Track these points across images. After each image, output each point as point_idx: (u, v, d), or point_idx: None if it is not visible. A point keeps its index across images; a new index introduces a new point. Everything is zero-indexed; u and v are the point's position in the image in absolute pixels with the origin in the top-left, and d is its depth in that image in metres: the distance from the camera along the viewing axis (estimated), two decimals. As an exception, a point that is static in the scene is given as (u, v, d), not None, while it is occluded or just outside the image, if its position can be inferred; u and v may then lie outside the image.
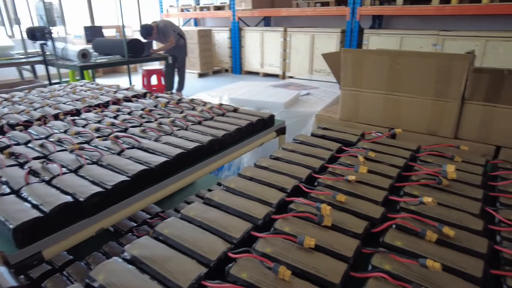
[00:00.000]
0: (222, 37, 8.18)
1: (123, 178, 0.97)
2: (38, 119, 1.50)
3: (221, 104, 1.70)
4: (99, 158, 1.08)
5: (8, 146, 1.21)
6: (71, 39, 6.87)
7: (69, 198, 0.86)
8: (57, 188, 0.92)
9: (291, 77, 4.88)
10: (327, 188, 0.88)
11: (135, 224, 1.36)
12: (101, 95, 1.92)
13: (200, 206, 0.79)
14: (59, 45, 4.23)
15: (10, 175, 0.98)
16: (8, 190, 0.92)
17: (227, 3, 7.74)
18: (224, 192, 0.86)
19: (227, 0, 7.70)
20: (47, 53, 4.24)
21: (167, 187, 1.08)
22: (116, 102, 1.80)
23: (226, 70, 8.45)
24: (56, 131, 1.36)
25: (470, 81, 1.61)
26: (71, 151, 1.13)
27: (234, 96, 2.80)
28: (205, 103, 1.75)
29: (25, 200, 0.87)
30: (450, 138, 1.74)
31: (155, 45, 5.81)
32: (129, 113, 1.57)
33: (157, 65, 6.50)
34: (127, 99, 1.86)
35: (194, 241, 0.67)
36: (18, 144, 1.24)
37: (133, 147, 1.18)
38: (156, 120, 1.45)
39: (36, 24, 4.50)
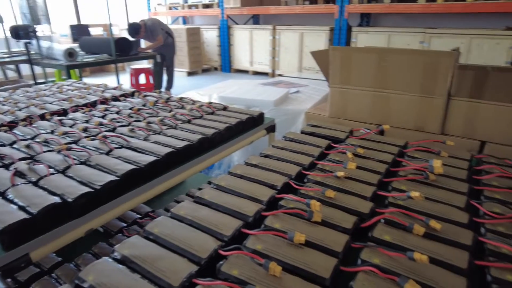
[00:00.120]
0: (211, 35, 8.14)
1: (112, 178, 0.96)
2: (24, 120, 1.47)
3: (210, 103, 1.70)
4: (87, 158, 1.07)
5: (-7, 147, 1.18)
6: (56, 37, 6.76)
7: (57, 199, 0.85)
8: (45, 189, 0.90)
9: (280, 75, 4.89)
10: (316, 185, 0.89)
11: (125, 224, 1.35)
12: (89, 94, 1.90)
13: (190, 205, 0.79)
14: (44, 44, 4.15)
15: (-5, 177, 0.96)
16: (-7, 192, 0.90)
17: (215, 1, 7.70)
18: (214, 190, 0.86)
19: (216, -2, 7.67)
20: (32, 52, 4.16)
21: (157, 187, 1.08)
22: (104, 101, 1.77)
23: (216, 68, 8.42)
24: (43, 131, 1.34)
25: (455, 78, 1.64)
26: (59, 152, 1.11)
27: (224, 95, 2.80)
28: (194, 102, 1.74)
29: (11, 202, 0.86)
30: (437, 133, 1.77)
31: (143, 43, 5.75)
32: (117, 113, 1.56)
33: (145, 64, 6.44)
34: (115, 99, 1.84)
35: (184, 240, 0.67)
36: (3, 145, 1.22)
37: (121, 147, 1.17)
38: (144, 119, 1.44)
39: (20, 23, 4.40)
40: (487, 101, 1.59)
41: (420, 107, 1.76)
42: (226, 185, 0.87)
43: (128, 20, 5.34)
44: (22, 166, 1.01)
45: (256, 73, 7.63)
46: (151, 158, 1.07)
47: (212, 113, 1.56)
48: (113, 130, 1.34)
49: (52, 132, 1.33)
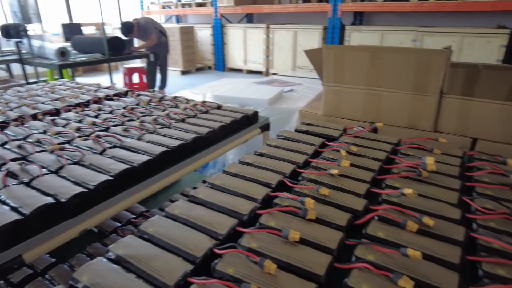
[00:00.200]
0: (204, 34, 8.12)
1: (106, 177, 0.95)
2: (15, 120, 1.46)
3: (204, 102, 1.70)
4: (80, 158, 1.06)
5: (-16, 148, 1.17)
6: (48, 37, 6.67)
7: (50, 200, 0.85)
8: (37, 190, 0.90)
9: (274, 74, 4.90)
10: (310, 182, 0.89)
11: (120, 224, 1.34)
12: (82, 94, 1.88)
13: (185, 204, 0.79)
14: (35, 43, 4.10)
15: (-13, 178, 0.95)
16: (-15, 193, 0.89)
17: (209, 0, 7.68)
18: (209, 189, 0.86)
19: (209, -3, 7.65)
20: (23, 51, 4.11)
21: (151, 186, 1.07)
22: (97, 101, 1.76)
23: (209, 67, 8.40)
24: (35, 131, 1.32)
25: (447, 76, 1.66)
26: (51, 152, 1.10)
27: (218, 93, 2.79)
28: (188, 101, 1.73)
29: (3, 203, 0.85)
30: (429, 131, 1.78)
31: (137, 42, 5.71)
32: (110, 112, 1.55)
33: (138, 63, 6.40)
34: (109, 98, 1.83)
35: (179, 239, 0.67)
36: (-6, 145, 1.21)
37: (115, 146, 1.17)
38: (138, 118, 1.43)
39: (10, 21, 4.35)
40: (479, 99, 1.61)
41: (413, 105, 1.78)
42: (221, 184, 0.87)
43: (121, 19, 5.31)
44: (14, 166, 1.00)
45: (250, 72, 7.62)
46: (145, 158, 1.06)
47: (206, 112, 1.55)
48: (107, 129, 1.33)
49: (44, 132, 1.32)
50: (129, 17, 5.41)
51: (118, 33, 5.06)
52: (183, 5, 8.32)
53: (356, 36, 5.85)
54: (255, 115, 1.58)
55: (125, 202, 1.00)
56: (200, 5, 8.01)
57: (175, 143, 1.17)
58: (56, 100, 1.76)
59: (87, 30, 7.08)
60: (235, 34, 7.57)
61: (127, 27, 5.09)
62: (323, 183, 0.88)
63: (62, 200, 0.85)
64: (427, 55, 1.67)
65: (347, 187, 0.86)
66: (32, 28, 4.59)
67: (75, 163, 1.05)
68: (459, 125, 1.70)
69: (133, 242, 0.68)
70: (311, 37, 6.39)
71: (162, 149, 1.12)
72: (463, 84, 1.62)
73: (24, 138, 1.25)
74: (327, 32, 6.18)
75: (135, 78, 5.81)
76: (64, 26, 5.66)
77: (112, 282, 0.59)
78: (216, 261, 0.62)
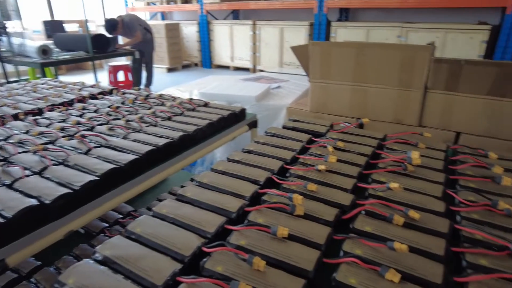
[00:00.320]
0: (190, 31, 8.04)
1: (92, 178, 0.94)
2: (-4, 120, 1.42)
3: (191, 99, 1.68)
4: (65, 159, 1.04)
5: (-36, 150, 1.13)
6: (29, 34, 6.49)
7: (33, 202, 0.83)
8: (20, 192, 0.87)
9: (261, 71, 4.90)
10: (298, 179, 0.89)
11: (107, 225, 1.32)
12: (65, 93, 1.84)
13: (172, 203, 0.79)
14: (15, 40, 3.99)
15: (-33, 180, 0.93)
16: (-35, 196, 0.87)
17: (194, -4, 7.62)
18: (196, 188, 0.85)
19: (194, -7, 7.58)
20: (3, 49, 4.00)
21: (138, 186, 1.06)
22: (81, 100, 1.73)
23: (196, 64, 8.33)
24: (17, 131, 1.29)
25: (431, 71, 1.68)
26: (34, 152, 1.08)
27: (205, 91, 2.77)
28: (174, 98, 1.72)
29: (-15, 205, 0.82)
30: (414, 126, 1.81)
31: (121, 40, 5.62)
32: (95, 111, 1.52)
33: (123, 61, 6.29)
34: (93, 97, 1.79)
35: (167, 238, 0.66)
36: (-26, 147, 1.17)
37: (100, 146, 1.15)
38: (123, 117, 1.41)
39: (-11, 19, 4.22)
40: (462, 94, 1.65)
41: (398, 100, 1.80)
42: (209, 182, 0.87)
43: (104, 16, 5.21)
44: (-4, 168, 0.98)
45: (237, 68, 7.60)
46: (131, 157, 1.05)
47: (193, 110, 1.54)
48: (92, 129, 1.31)
49: (26, 132, 1.28)
50: (113, 14, 5.32)
51: (102, 31, 4.97)
52: (168, 2, 8.23)
53: (342, 32, 5.89)
54: (242, 112, 1.58)
55: (111, 203, 0.99)
56: (185, 1, 7.93)
57: (162, 141, 1.16)
58: (38, 99, 1.72)
59: (70, 27, 6.93)
60: (221, 30, 7.53)
61: (111, 25, 5.00)
62: (310, 179, 0.89)
63: (46, 201, 0.83)
64: (412, 51, 1.70)
65: (334, 183, 0.87)
66: (12, 25, 4.46)
67: (60, 163, 1.03)
68: (443, 119, 1.73)
69: (121, 243, 0.67)
70: (298, 34, 6.41)
71: (149, 148, 1.11)
72: (447, 79, 1.66)
73: (5, 139, 1.22)
74: (313, 29, 6.20)
75: (120, 76, 5.73)
76: (46, 23, 5.52)
77: (99, 283, 0.58)
78: (204, 259, 0.62)
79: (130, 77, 5.66)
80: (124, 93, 1.84)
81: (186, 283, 0.57)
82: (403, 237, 0.66)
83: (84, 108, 1.56)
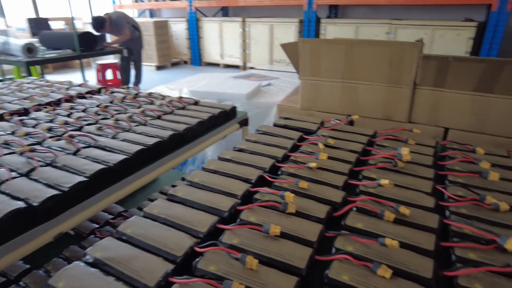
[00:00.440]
0: (179, 28, 7.97)
1: (81, 178, 0.92)
2: (-19, 121, 1.39)
3: (181, 97, 1.67)
4: (53, 159, 1.02)
5: None
6: (13, 32, 6.36)
7: (21, 204, 0.81)
8: (7, 194, 0.85)
9: (252, 68, 4.88)
10: (290, 176, 0.90)
11: (97, 226, 1.31)
12: (52, 92, 1.81)
13: (163, 203, 0.78)
14: None
15: (-49, 183, 0.90)
16: (-50, 200, 0.85)
17: (183, -7, 7.54)
18: (188, 187, 0.85)
19: (183, -10, 7.51)
20: (-14, 48, 3.90)
21: (128, 186, 1.05)
22: (69, 99, 1.70)
23: (185, 62, 8.27)
24: (2, 132, 1.26)
25: (420, 68, 1.70)
26: (21, 154, 1.05)
27: (195, 89, 2.76)
28: (164, 97, 1.70)
29: (-29, 209, 0.80)
30: (404, 122, 1.83)
31: (109, 38, 5.54)
32: (83, 111, 1.50)
33: (112, 59, 6.21)
34: (81, 96, 1.76)
35: (159, 239, 0.66)
36: (-42, 148, 1.14)
37: (89, 146, 1.13)
38: (112, 116, 1.39)
39: (-29, 17, 4.12)
40: (449, 90, 1.67)
41: (387, 97, 1.82)
42: (200, 181, 0.86)
43: (91, 14, 5.13)
44: (-19, 170, 0.96)
45: (227, 66, 7.57)
46: (121, 157, 1.04)
47: (183, 108, 1.53)
48: (80, 129, 1.29)
49: (12, 133, 1.26)
50: (100, 12, 5.23)
51: (89, 28, 4.89)
52: (157, -1, 8.14)
53: (332, 29, 5.91)
54: (233, 110, 1.57)
55: (101, 203, 0.97)
56: (174, -2, 7.85)
57: (152, 141, 1.15)
58: (24, 99, 1.68)
59: (56, 25, 6.81)
60: (210, 28, 7.48)
61: (98, 22, 4.92)
62: (302, 177, 0.89)
63: (34, 204, 0.82)
64: (400, 48, 1.71)
65: (325, 180, 0.87)
66: (-4, 23, 4.36)
67: (47, 164, 1.01)
68: (432, 115, 1.75)
69: (111, 244, 0.66)
70: (287, 31, 6.41)
71: (138, 147, 1.10)
72: (435, 75, 1.68)
73: (-9, 140, 1.19)
74: (303, 26, 6.21)
75: (109, 74, 5.65)
76: (30, 20, 5.41)
77: (90, 286, 0.57)
78: (197, 259, 0.61)
79: (119, 76, 5.59)
80: (112, 92, 1.81)
81: (178, 283, 0.56)
82: (394, 233, 0.67)
83: (72, 108, 1.53)
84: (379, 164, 0.94)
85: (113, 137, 1.19)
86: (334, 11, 6.53)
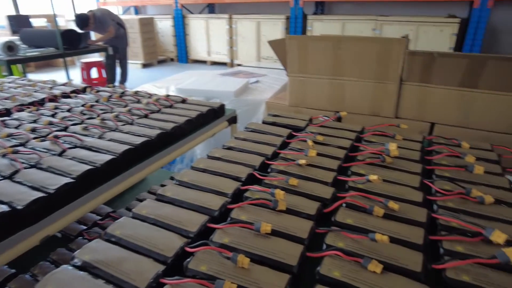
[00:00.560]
0: (165, 25, 7.88)
1: (67, 180, 0.90)
2: (-40, 122, 1.34)
3: (168, 96, 1.65)
4: (37, 161, 1.00)
5: None
6: (-7, 30, 6.19)
7: (4, 208, 0.79)
8: (-10, 198, 0.83)
9: (239, 65, 4.87)
10: (280, 174, 0.90)
11: (85, 227, 1.29)
12: (35, 92, 1.77)
13: (152, 203, 0.77)
14: (-21, 37, 3.79)
15: None
16: None
17: (168, -11, 7.45)
18: (177, 187, 0.84)
19: (168, -13, 7.42)
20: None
21: (116, 187, 1.03)
22: (53, 99, 1.66)
23: (172, 59, 8.19)
24: (-16, 134, 1.22)
25: (406, 64, 1.72)
26: (3, 156, 1.03)
27: (182, 87, 2.73)
28: (150, 95, 1.68)
29: (-48, 213, 0.78)
30: (391, 117, 1.85)
31: (93, 35, 5.44)
32: (68, 110, 1.47)
33: (96, 57, 6.10)
34: (65, 95, 1.73)
35: (148, 240, 0.65)
36: None
37: (75, 147, 1.11)
38: (98, 116, 1.36)
39: None
40: (435, 85, 1.70)
41: (374, 93, 1.84)
42: (189, 181, 0.85)
43: (74, 11, 5.02)
44: (-38, 173, 0.93)
45: (214, 63, 7.52)
46: (108, 157, 1.02)
47: (171, 106, 1.51)
48: (65, 129, 1.26)
49: (-6, 134, 1.22)
50: (83, 9, 5.12)
51: (72, 26, 4.79)
52: (141, -5, 8.02)
53: (318, 26, 5.94)
54: (221, 108, 1.56)
55: (89, 205, 0.96)
56: (159, -5, 7.75)
57: (139, 140, 1.13)
58: (5, 99, 1.63)
59: (37, 23, 6.64)
60: (197, 24, 7.42)
61: (82, 20, 4.82)
62: (292, 174, 0.89)
63: (19, 207, 0.79)
64: (387, 44, 1.73)
65: (315, 176, 0.88)
66: (-26, 21, 4.23)
67: (32, 166, 0.99)
68: (418, 110, 1.78)
69: (100, 246, 0.65)
70: (274, 27, 6.40)
71: (126, 147, 1.08)
72: (421, 71, 1.70)
73: (-28, 142, 1.16)
74: (289, 22, 6.21)
75: (94, 73, 5.56)
76: (10, 18, 5.27)
77: (79, 290, 0.56)
78: (188, 259, 0.61)
79: (104, 74, 5.50)
80: (98, 91, 1.78)
81: (170, 284, 0.56)
82: (384, 228, 0.68)
83: (56, 108, 1.50)
84: (367, 160, 0.95)
85: (100, 137, 1.17)
86: (321, 8, 6.56)
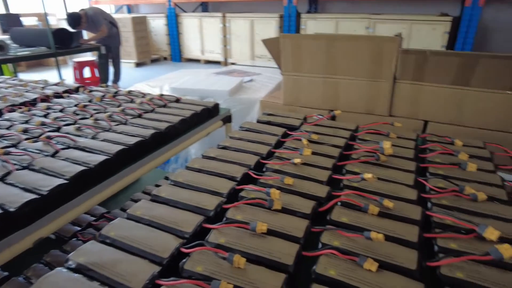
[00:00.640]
0: (158, 24, 7.84)
1: (60, 181, 0.89)
2: (-50, 123, 1.32)
3: (162, 95, 1.64)
4: (30, 162, 0.99)
5: None
6: (-18, 29, 6.09)
7: (-4, 210, 0.78)
8: (-19, 200, 0.82)
9: (233, 64, 4.86)
10: (275, 173, 0.90)
11: (79, 228, 1.28)
12: (27, 92, 1.74)
13: (147, 204, 0.76)
14: (-32, 37, 3.73)
15: None
16: None
17: (161, -12, 7.40)
18: (171, 187, 0.83)
19: (161, -15, 7.37)
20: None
21: (110, 187, 1.02)
22: (45, 99, 1.64)
23: (165, 58, 8.15)
24: (-26, 135, 1.21)
25: (399, 62, 1.73)
26: (-5, 157, 1.01)
27: (176, 86, 2.72)
28: (144, 95, 1.67)
29: None
30: (385, 116, 1.86)
31: (86, 34, 5.39)
32: (61, 111, 1.45)
33: (89, 56, 6.05)
34: (58, 95, 1.71)
35: (144, 241, 0.65)
36: None
37: (68, 147, 1.10)
38: (91, 116, 1.35)
39: None
40: (428, 83, 1.71)
41: (368, 91, 1.85)
42: (184, 181, 0.85)
43: (66, 10, 4.96)
44: (-48, 176, 0.91)
45: (208, 62, 7.50)
46: (102, 158, 1.01)
47: (165, 106, 1.50)
48: (58, 129, 1.25)
49: (-15, 135, 1.20)
50: (75, 7, 5.07)
51: (64, 25, 4.74)
52: (134, -6, 7.96)
53: (312, 24, 5.94)
54: (216, 107, 1.56)
55: (83, 206, 0.95)
56: (152, -7, 7.70)
57: (133, 140, 1.12)
58: (-3, 99, 1.61)
59: (28, 21, 6.55)
60: (190, 23, 7.38)
61: (74, 19, 4.77)
62: (287, 173, 0.89)
63: (11, 209, 0.78)
64: (380, 43, 1.74)
65: (310, 175, 0.88)
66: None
67: (24, 168, 0.97)
68: (412, 108, 1.79)
69: (95, 248, 0.65)
70: (268, 26, 6.40)
71: (119, 147, 1.07)
72: (414, 69, 1.71)
73: (-38, 144, 1.14)
74: (283, 21, 6.21)
75: (86, 72, 5.50)
76: (0, 16, 5.19)
77: (73, 292, 0.55)
78: (184, 260, 0.61)
79: (97, 74, 5.45)
80: (91, 91, 1.77)
81: (165, 285, 0.56)
82: (379, 226, 0.68)
83: (48, 108, 1.48)
84: (362, 158, 0.96)
85: (93, 138, 1.16)
86: (314, 6, 6.56)
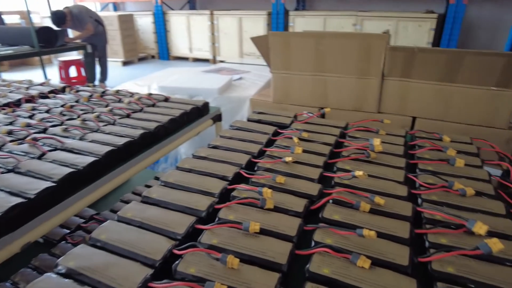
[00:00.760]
0: (145, 22, 7.74)
1: (48, 184, 0.87)
2: None
3: (150, 94, 1.62)
4: (15, 165, 0.96)
5: None
6: (-37, 28, 5.92)
7: (-18, 215, 0.76)
8: (-34, 205, 0.80)
9: (222, 61, 4.83)
10: (266, 172, 0.89)
11: (68, 231, 1.26)
12: (10, 92, 1.70)
13: (137, 206, 0.75)
14: None
15: None
16: None
17: (147, -15, 7.31)
18: (162, 188, 0.82)
19: (147, -18, 7.27)
20: None
21: (99, 189, 1.01)
22: (30, 99, 1.61)
23: (153, 57, 8.06)
24: (-43, 138, 1.17)
25: (387, 59, 1.75)
26: (-21, 160, 0.99)
27: (164, 84, 2.69)
28: (132, 94, 1.65)
29: None
30: (373, 112, 1.88)
31: (71, 33, 5.28)
32: (47, 111, 1.42)
33: (75, 55, 5.94)
34: (43, 96, 1.67)
35: (135, 243, 0.64)
36: None
37: (55, 149, 1.08)
38: (79, 116, 1.33)
39: None
40: (415, 80, 1.73)
41: (357, 89, 1.86)
42: (175, 181, 0.84)
43: (50, 7, 4.86)
44: None
45: (196, 60, 7.45)
46: (90, 159, 0.99)
47: (153, 105, 1.49)
48: (44, 131, 1.22)
49: (-32, 138, 1.17)
50: (59, 5, 4.97)
51: (48, 23, 4.63)
52: (120, -9, 7.83)
53: (300, 22, 5.95)
54: (205, 106, 1.54)
55: (71, 209, 0.93)
56: (138, -9, 7.59)
57: (122, 141, 1.11)
58: (-21, 100, 1.57)
59: (10, 19, 6.40)
60: (178, 21, 7.32)
61: (58, 17, 4.67)
62: (278, 171, 0.89)
63: (-3, 214, 0.77)
64: (368, 40, 1.75)
65: (301, 173, 0.88)
66: None
67: (9, 171, 0.95)
68: (400, 105, 1.81)
69: (85, 252, 0.63)
70: (256, 23, 6.38)
71: (108, 148, 1.06)
72: (402, 66, 1.73)
73: None
74: (271, 18, 6.20)
75: (72, 71, 5.41)
76: (-18, 15, 5.05)
77: (64, 298, 0.54)
78: (176, 262, 0.60)
79: (83, 73, 5.36)
80: (77, 91, 1.73)
81: (158, 288, 0.55)
82: (371, 223, 0.69)
83: (34, 109, 1.45)
84: (352, 156, 0.96)
85: (81, 139, 1.14)
86: (302, 3, 6.57)
